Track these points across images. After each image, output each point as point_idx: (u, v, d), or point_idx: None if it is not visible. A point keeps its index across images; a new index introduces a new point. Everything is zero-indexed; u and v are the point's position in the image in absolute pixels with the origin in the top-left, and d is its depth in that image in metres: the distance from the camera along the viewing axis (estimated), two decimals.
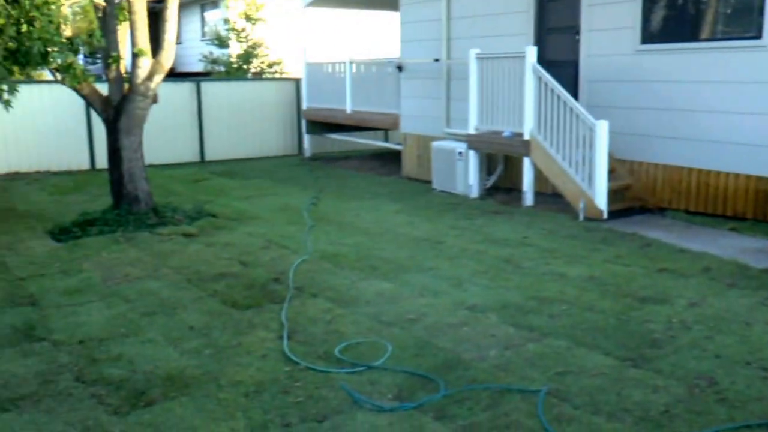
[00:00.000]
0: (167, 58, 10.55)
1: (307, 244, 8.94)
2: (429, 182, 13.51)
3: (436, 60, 13.59)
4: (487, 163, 12.54)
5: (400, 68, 14.69)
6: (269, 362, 5.38)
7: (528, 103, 10.72)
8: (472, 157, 11.95)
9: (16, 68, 8.71)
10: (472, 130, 11.88)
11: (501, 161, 12.71)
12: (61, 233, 10.00)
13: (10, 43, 7.84)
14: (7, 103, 8.38)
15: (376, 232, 9.67)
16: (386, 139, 19.61)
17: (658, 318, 6.11)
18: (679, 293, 6.77)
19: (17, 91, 8.43)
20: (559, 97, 10.29)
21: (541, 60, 10.91)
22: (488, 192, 12.26)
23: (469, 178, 12.06)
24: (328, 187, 13.62)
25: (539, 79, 10.57)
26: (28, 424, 4.56)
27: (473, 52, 11.64)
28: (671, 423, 4.31)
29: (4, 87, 8.13)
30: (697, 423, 4.30)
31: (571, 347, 5.50)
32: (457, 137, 12.95)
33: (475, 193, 11.97)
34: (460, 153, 12.33)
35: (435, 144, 13.11)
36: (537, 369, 5.11)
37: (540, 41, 11.79)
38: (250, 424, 4.45)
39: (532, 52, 10.65)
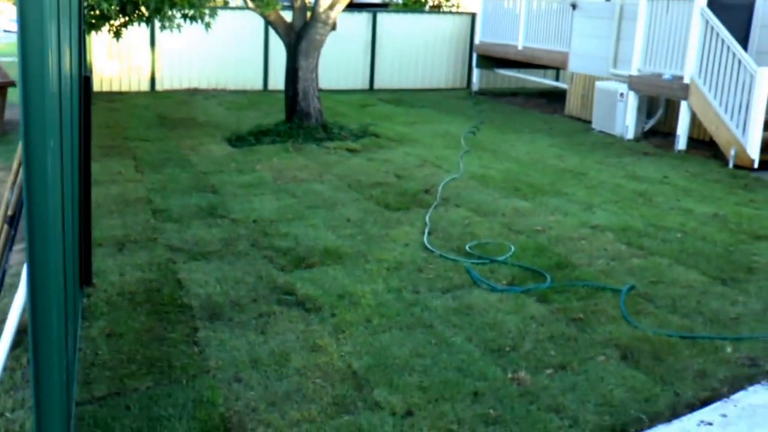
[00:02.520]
0: None
1: (460, 166, 10.32)
2: (590, 122, 14.50)
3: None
4: (648, 106, 13.42)
5: (574, 6, 15.63)
6: (410, 249, 6.85)
7: (692, 47, 11.54)
8: (632, 98, 12.89)
9: None
10: (634, 72, 12.81)
11: (662, 105, 13.55)
12: (237, 140, 11.84)
13: None
14: (207, 26, 10.19)
15: (526, 161, 10.93)
16: (557, 79, 20.55)
17: (764, 252, 7.12)
18: None
19: (217, 15, 10.19)
20: (723, 42, 11.06)
21: (714, 3, 11.63)
22: (645, 135, 13.17)
23: (626, 119, 13.01)
24: (490, 120, 14.88)
25: (706, 23, 11.35)
26: (215, 270, 6.25)
27: None
28: (736, 326, 5.44)
29: (206, 11, 9.91)
30: (759, 328, 5.40)
31: (672, 264, 6.66)
32: (621, 78, 13.86)
33: (631, 134, 12.93)
34: (622, 94, 13.26)
35: (599, 84, 14.09)
36: (634, 277, 6.31)
37: None
38: (387, 287, 5.93)
39: None
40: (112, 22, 10.12)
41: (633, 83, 12.83)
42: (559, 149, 11.94)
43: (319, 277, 6.12)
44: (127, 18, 10.06)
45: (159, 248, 6.79)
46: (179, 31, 9.99)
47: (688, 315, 5.58)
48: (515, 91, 20.11)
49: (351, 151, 11.28)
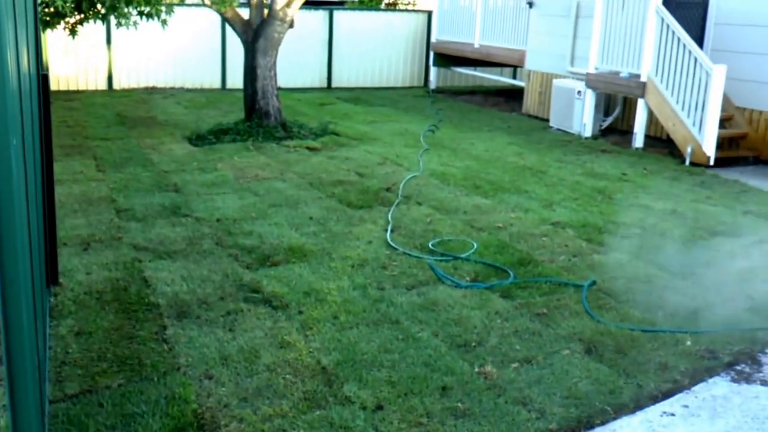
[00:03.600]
0: None
1: (420, 164, 10.41)
2: (548, 120, 14.68)
3: None
4: (606, 104, 13.63)
5: (530, 4, 15.80)
6: (373, 246, 6.91)
7: (648, 45, 11.74)
8: (590, 96, 13.08)
9: None
10: (591, 70, 13.00)
11: (619, 103, 13.77)
12: (198, 139, 11.81)
13: None
14: (164, 23, 10.13)
15: (485, 159, 11.04)
16: (514, 77, 20.76)
17: (722, 247, 7.29)
18: (753, 231, 7.88)
19: (173, 12, 10.15)
20: (679, 40, 11.26)
21: (670, 1, 11.82)
22: (603, 133, 13.37)
23: (584, 117, 13.19)
24: (449, 119, 15.00)
25: (662, 20, 11.55)
26: (181, 268, 6.26)
27: None
28: (695, 320, 5.57)
29: (162, 8, 9.86)
30: (717, 322, 5.54)
31: (631, 260, 6.80)
32: (579, 77, 14.05)
33: (588, 132, 13.12)
34: (579, 92, 13.44)
35: (556, 82, 14.27)
36: (595, 273, 6.44)
37: None
38: (353, 284, 5.99)
39: None
40: (67, 19, 10.02)
41: (590, 81, 13.03)
42: (518, 147, 12.08)
43: (284, 275, 6.15)
44: (82, 15, 9.96)
45: (124, 247, 6.78)
46: (135, 28, 9.94)
47: (649, 309, 5.71)
48: (473, 89, 20.28)
49: (311, 149, 11.31)
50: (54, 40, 17.34)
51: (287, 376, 4.51)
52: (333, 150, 11.34)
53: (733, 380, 4.66)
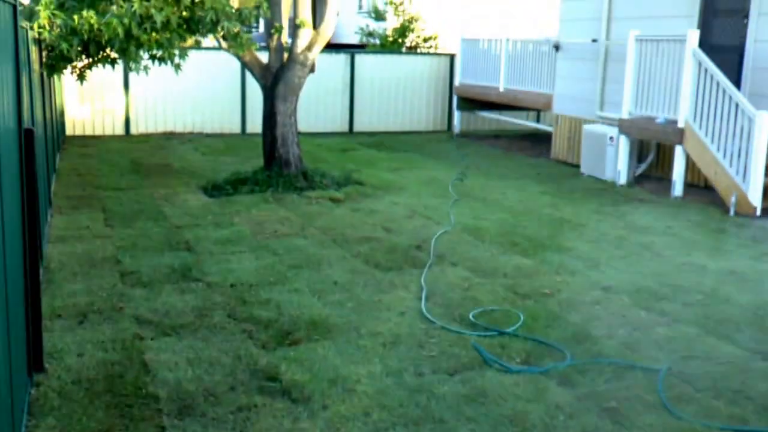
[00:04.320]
0: (328, 29, 11.29)
1: (451, 217, 9.45)
2: (578, 166, 13.74)
3: (594, 40, 13.74)
4: (639, 151, 12.67)
5: (557, 47, 14.94)
6: (407, 319, 5.94)
7: (685, 90, 10.80)
8: (623, 143, 12.12)
9: (188, 36, 9.59)
10: (625, 115, 12.06)
11: (653, 149, 12.80)
12: (214, 189, 10.92)
13: (185, 12, 8.69)
14: (177, 67, 9.29)
15: (519, 210, 10.08)
16: (538, 120, 19.86)
17: None
18: None
19: (187, 56, 9.31)
20: (718, 84, 10.33)
21: (704, 44, 10.94)
22: (637, 180, 12.39)
23: (618, 164, 12.23)
24: (476, 165, 14.07)
25: (699, 64, 10.63)
26: (186, 348, 5.31)
27: (632, 34, 11.80)
28: None
29: (176, 52, 9.02)
30: None
31: (701, 335, 5.79)
32: (609, 121, 13.13)
33: (623, 179, 12.14)
34: (611, 138, 12.50)
35: (586, 127, 13.33)
36: (663, 351, 5.44)
37: (705, 24, 11.79)
38: (385, 369, 5.01)
39: (693, 36, 10.72)
40: (74, 63, 9.18)
41: (624, 127, 12.08)
42: (551, 196, 11.11)
43: (306, 357, 5.19)
44: (90, 59, 9.14)
45: (125, 320, 5.85)
46: (146, 73, 9.11)
47: (735, 400, 4.71)
48: (497, 133, 19.36)
49: (334, 200, 10.39)
50: (70, 83, 16.62)
51: None
52: (357, 201, 10.40)
53: None
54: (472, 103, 18.56)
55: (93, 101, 17.07)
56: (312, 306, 6.20)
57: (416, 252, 7.88)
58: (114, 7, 7.86)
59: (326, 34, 11.32)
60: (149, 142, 16.25)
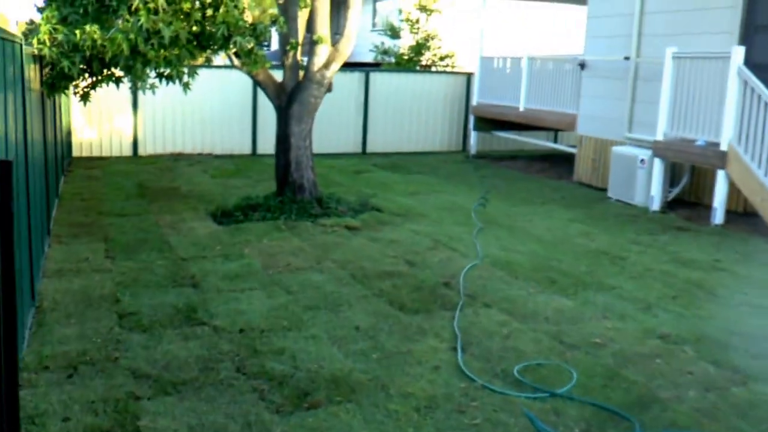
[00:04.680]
0: (347, 46, 10.50)
1: (478, 248, 8.63)
2: (604, 190, 12.93)
3: (626, 58, 12.90)
4: (671, 174, 11.82)
5: (582, 65, 14.14)
6: (442, 375, 5.11)
7: (729, 110, 9.97)
8: (657, 166, 11.29)
9: (198, 52, 8.83)
10: (659, 136, 11.23)
11: (687, 172, 11.96)
12: (223, 216, 10.13)
13: (195, 27, 7.92)
14: (186, 86, 8.50)
15: (550, 240, 9.25)
16: (555, 140, 19.07)
17: None
18: None
19: (197, 74, 8.53)
20: (766, 105, 9.50)
21: (747, 62, 10.11)
22: (669, 205, 11.53)
23: (651, 189, 11.39)
24: (496, 188, 13.27)
25: (745, 83, 9.81)
26: (188, 411, 4.50)
27: (669, 51, 10.98)
28: None
29: (185, 69, 8.23)
30: None
31: None
32: (639, 143, 12.32)
33: (656, 205, 11.30)
34: (642, 160, 11.69)
35: (615, 149, 12.51)
36: (747, 420, 4.59)
37: (746, 40, 10.94)
38: None
39: (738, 53, 9.90)
40: (76, 82, 8.39)
41: (658, 150, 11.24)
42: (581, 224, 10.28)
43: (327, 425, 4.37)
44: (94, 78, 8.35)
45: (120, 374, 5.05)
46: (153, 92, 8.32)
47: None
48: (514, 154, 18.55)
49: (351, 229, 9.58)
50: (77, 103, 15.92)
51: None
52: (375, 230, 9.59)
53: None
54: (489, 123, 17.76)
55: (101, 122, 16.34)
56: (332, 358, 5.38)
57: (445, 290, 7.06)
58: (119, 21, 7.07)
59: (345, 51, 10.53)
60: (157, 164, 15.50)
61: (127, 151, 16.61)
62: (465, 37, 24.73)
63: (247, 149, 17.40)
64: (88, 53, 7.11)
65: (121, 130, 16.52)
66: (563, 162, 16.54)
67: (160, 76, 8.25)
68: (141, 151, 16.68)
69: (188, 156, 16.72)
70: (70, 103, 15.62)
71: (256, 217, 9.95)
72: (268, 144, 14.74)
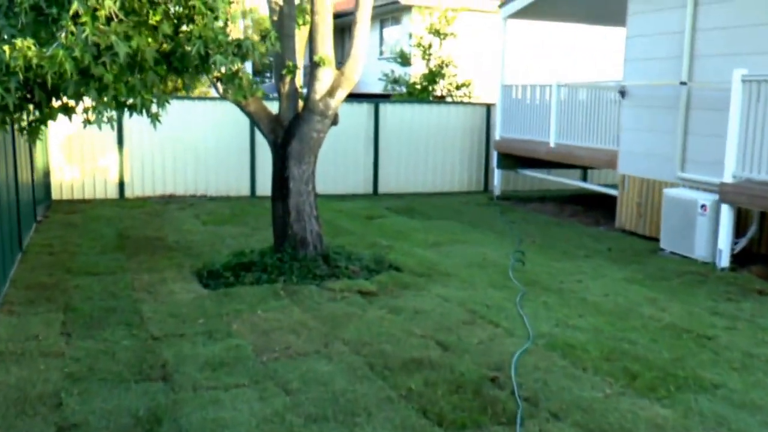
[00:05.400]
0: (354, 69, 8.88)
1: (526, 323, 6.95)
2: (653, 239, 11.27)
3: (683, 83, 11.20)
4: (736, 222, 10.13)
5: (623, 93, 12.51)
6: None
7: None
8: (725, 214, 9.59)
9: (172, 78, 7.19)
10: (727, 178, 9.54)
11: (755, 220, 10.27)
12: (211, 277, 8.50)
13: (165, 44, 6.28)
14: (154, 118, 6.82)
15: (611, 310, 7.55)
16: (585, 179, 17.45)
17: None
18: None
19: (168, 103, 6.89)
20: None
21: None
22: (736, 259, 9.82)
23: (718, 241, 9.71)
24: (529, 236, 11.62)
25: None
26: None
27: (738, 74, 9.31)
28: None
29: (152, 98, 6.59)
30: None
31: None
32: (696, 185, 10.67)
33: (725, 261, 9.58)
34: (703, 206, 10.03)
35: (668, 192, 10.85)
36: None
37: None
38: None
39: None
40: (16, 116, 6.69)
41: (726, 193, 9.54)
42: (641, 286, 8.59)
43: None
44: (39, 110, 6.68)
45: None
46: (112, 127, 6.62)
47: None
48: (542, 194, 16.90)
49: (365, 294, 7.91)
50: (57, 140, 14.38)
51: None
52: (395, 296, 7.92)
53: None
54: (514, 160, 16.12)
55: (83, 161, 14.81)
56: None
57: (493, 389, 5.36)
58: (62, 35, 5.43)
59: (352, 75, 8.90)
60: (145, 207, 13.93)
61: (113, 194, 15.08)
62: (482, 65, 23.25)
63: (245, 190, 15.82)
64: (21, 76, 5.45)
65: (106, 170, 14.99)
66: (598, 204, 14.90)
67: (121, 106, 6.59)
68: (128, 193, 15.14)
69: (180, 198, 15.16)
70: (47, 139, 14.08)
71: (249, 279, 8.30)
72: (268, 185, 13.20)
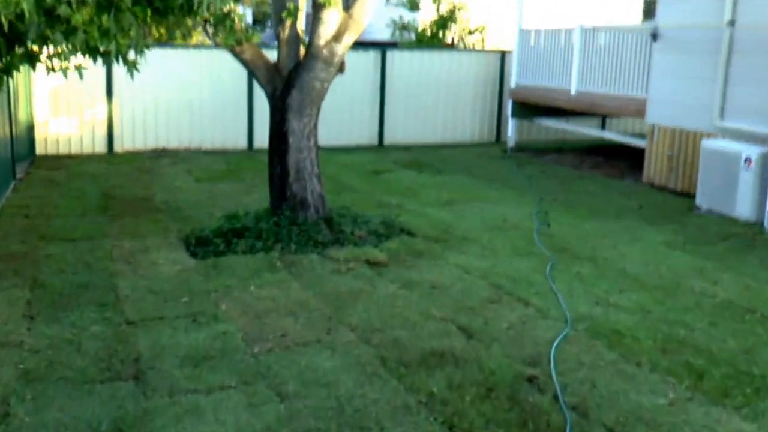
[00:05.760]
0: (364, 11, 7.80)
1: (561, 302, 5.99)
2: (687, 195, 10.30)
3: (731, 23, 10.02)
4: None
5: (654, 36, 11.39)
6: None
7: None
8: None
9: (155, 20, 6.18)
10: None
11: None
12: (199, 245, 7.54)
13: None
14: (132, 65, 5.82)
15: (656, 284, 6.57)
16: (603, 128, 16.37)
17: None
18: None
19: (147, 49, 5.89)
20: None
21: None
22: None
23: (766, 199, 8.73)
24: (551, 193, 10.61)
25: None
26: None
27: None
28: None
29: (129, 43, 5.59)
30: None
31: None
32: (738, 135, 9.65)
33: None
34: (748, 160, 9.03)
35: (706, 143, 9.83)
36: None
37: None
38: None
39: None
40: None
41: None
42: (684, 253, 7.61)
43: None
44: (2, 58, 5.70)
45: None
46: (80, 75, 5.64)
47: None
48: (559, 145, 15.84)
49: (374, 265, 6.93)
50: (42, 91, 13.33)
51: None
52: (408, 266, 6.95)
53: None
54: (531, 109, 15.03)
55: (69, 113, 13.75)
56: None
57: (531, 393, 4.41)
58: None
59: (361, 18, 7.81)
60: (134, 163, 12.94)
61: (101, 148, 14.05)
62: (498, 6, 22.00)
63: (242, 144, 14.79)
64: None
65: (94, 123, 13.94)
66: (620, 154, 13.88)
67: (90, 51, 5.58)
68: (117, 148, 14.12)
69: (173, 152, 14.13)
70: (30, 90, 13.05)
71: (241, 247, 7.33)
72: (266, 137, 12.20)
